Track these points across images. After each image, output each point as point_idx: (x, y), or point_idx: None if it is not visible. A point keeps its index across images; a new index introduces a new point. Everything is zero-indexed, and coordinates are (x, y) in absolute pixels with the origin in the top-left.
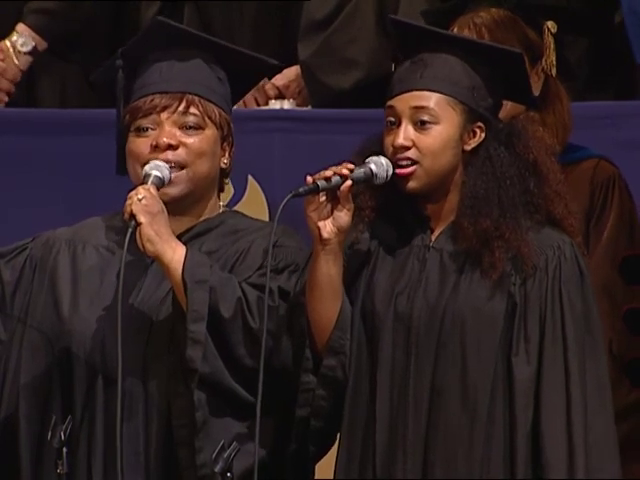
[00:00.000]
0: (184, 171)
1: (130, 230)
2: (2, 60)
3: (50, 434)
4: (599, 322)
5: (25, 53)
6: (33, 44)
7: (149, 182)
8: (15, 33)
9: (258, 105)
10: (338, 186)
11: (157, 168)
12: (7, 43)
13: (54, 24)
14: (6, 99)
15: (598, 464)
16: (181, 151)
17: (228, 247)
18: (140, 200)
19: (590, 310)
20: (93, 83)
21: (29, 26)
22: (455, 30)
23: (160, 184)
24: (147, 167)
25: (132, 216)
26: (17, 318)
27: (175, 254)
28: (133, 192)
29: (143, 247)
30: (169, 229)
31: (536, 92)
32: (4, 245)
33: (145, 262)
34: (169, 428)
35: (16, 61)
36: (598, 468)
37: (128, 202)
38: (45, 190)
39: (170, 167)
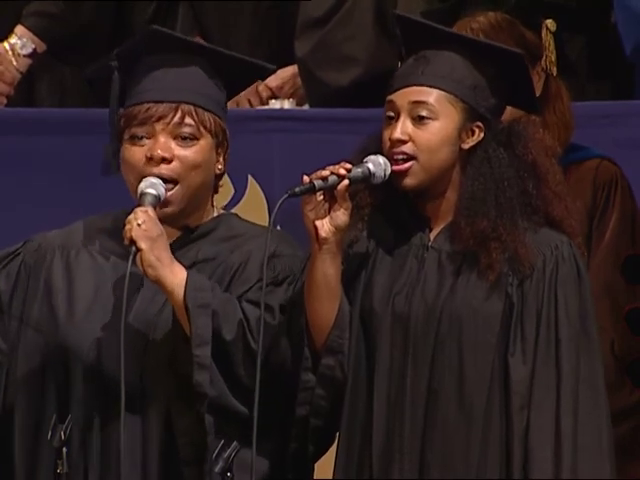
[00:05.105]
0: (178, 187)
1: (131, 257)
2: (0, 63)
3: (50, 434)
4: (595, 323)
5: (24, 56)
6: (33, 47)
7: (146, 203)
8: (14, 35)
9: (252, 107)
10: (335, 185)
11: (152, 186)
12: (6, 45)
13: (54, 26)
14: (5, 102)
15: (586, 466)
16: (175, 165)
17: (226, 256)
18: (140, 225)
19: (587, 311)
20: (89, 82)
21: (28, 28)
22: None
23: (156, 202)
24: (142, 185)
25: (132, 242)
26: (15, 327)
27: (176, 278)
28: (132, 216)
29: (144, 272)
30: (170, 253)
31: (537, 92)
32: (5, 246)
33: (140, 276)
34: (167, 440)
35: (15, 63)
36: (586, 470)
37: (127, 227)
38: (45, 190)
39: (164, 181)
